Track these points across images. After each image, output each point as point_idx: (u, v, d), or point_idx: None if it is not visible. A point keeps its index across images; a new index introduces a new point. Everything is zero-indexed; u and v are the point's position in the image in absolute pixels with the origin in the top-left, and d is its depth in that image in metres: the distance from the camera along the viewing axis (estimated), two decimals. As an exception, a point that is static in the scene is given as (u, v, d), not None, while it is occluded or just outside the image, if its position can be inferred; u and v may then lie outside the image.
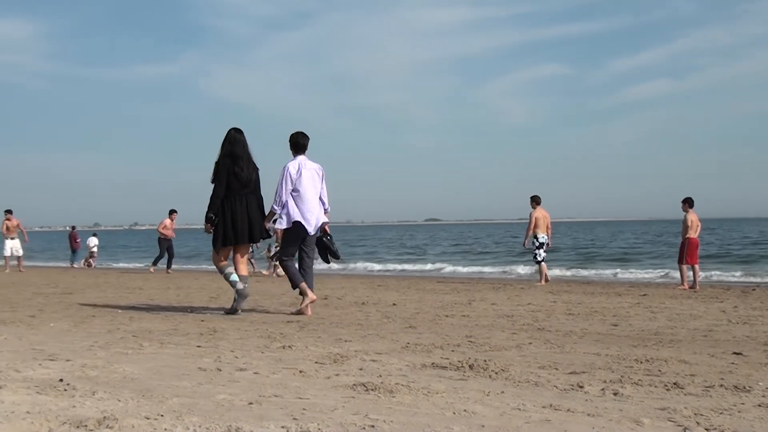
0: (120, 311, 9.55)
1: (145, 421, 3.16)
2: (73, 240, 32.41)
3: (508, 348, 6.47)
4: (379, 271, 28.48)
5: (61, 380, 4.18)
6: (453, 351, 6.20)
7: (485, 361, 5.46)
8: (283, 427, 3.16)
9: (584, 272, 25.02)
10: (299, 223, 9.28)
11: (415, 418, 3.48)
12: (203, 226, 9.45)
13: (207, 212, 9.31)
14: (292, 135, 9.53)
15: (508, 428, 3.33)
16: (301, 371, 4.90)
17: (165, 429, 3.05)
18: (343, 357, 5.64)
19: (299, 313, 9.33)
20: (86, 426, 3.06)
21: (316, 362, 5.38)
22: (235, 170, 9.19)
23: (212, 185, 9.33)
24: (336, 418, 3.39)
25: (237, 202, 9.25)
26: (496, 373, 5.03)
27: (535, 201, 17.45)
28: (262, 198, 9.57)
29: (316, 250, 9.74)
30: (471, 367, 5.22)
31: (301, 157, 9.44)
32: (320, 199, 9.53)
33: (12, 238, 24.74)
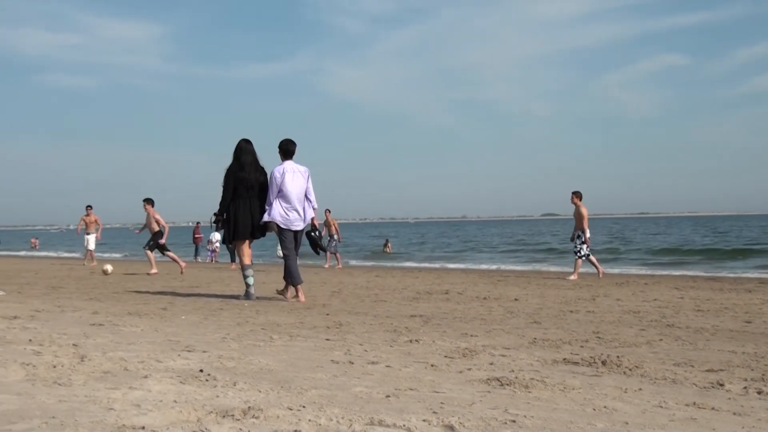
0: (246, 304, 9.76)
1: (288, 412, 3.21)
2: (194, 235, 33.35)
3: (638, 344, 6.33)
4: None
5: (201, 371, 4.29)
6: (582, 347, 6.10)
7: (618, 357, 5.35)
8: (424, 420, 3.16)
9: (707, 267, 24.32)
10: (276, 223, 10.37)
11: (555, 413, 3.44)
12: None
13: (216, 213, 10.70)
14: (281, 142, 10.59)
15: (652, 426, 3.25)
16: (432, 365, 4.91)
17: (309, 420, 3.09)
18: (472, 351, 5.63)
19: (279, 294, 10.88)
20: (232, 415, 3.12)
21: (445, 356, 5.38)
22: (241, 176, 10.39)
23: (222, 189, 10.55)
24: (475, 412, 3.37)
25: (242, 204, 10.43)
26: (630, 369, 4.92)
27: (579, 196, 17.26)
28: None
29: (304, 242, 11.00)
30: (604, 363, 5.12)
31: (287, 162, 10.48)
32: (307, 198, 10.53)
33: (89, 233, 25.29)
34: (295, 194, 10.35)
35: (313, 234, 11.07)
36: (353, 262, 31.14)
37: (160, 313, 8.40)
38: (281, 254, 12.45)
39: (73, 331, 6.21)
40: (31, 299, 9.94)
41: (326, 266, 23.85)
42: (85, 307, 8.79)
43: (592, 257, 17.46)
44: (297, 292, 10.50)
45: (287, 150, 10.54)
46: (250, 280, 10.59)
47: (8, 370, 4.18)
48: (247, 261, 10.68)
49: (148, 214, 19.22)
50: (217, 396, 3.57)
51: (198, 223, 34.29)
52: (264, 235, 10.78)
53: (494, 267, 26.49)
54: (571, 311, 9.38)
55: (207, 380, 3.98)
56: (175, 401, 3.41)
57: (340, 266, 24.62)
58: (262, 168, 10.59)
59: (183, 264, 18.96)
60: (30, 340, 5.51)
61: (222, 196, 10.52)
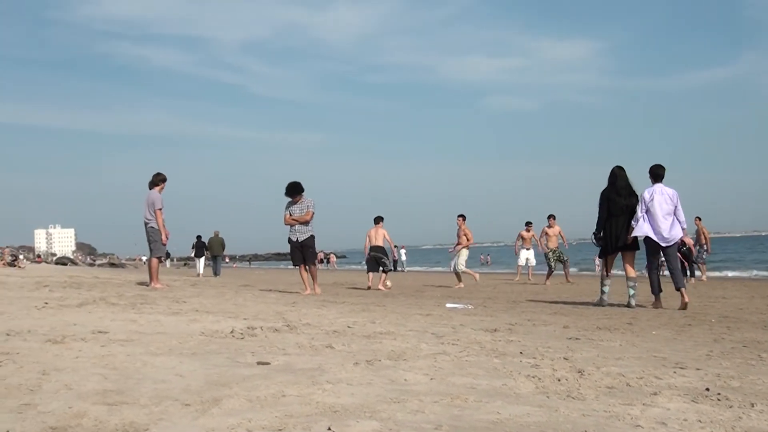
0: (713, 320, 9.45)
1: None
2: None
3: None
4: None
5: (707, 389, 4.22)
6: None
7: None
8: None
9: None
10: (648, 237, 11.68)
11: None
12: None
13: (594, 231, 12.28)
14: (651, 167, 11.89)
15: None
16: None
17: None
18: None
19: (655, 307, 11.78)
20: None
21: None
22: (614, 198, 11.95)
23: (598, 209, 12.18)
24: None
25: (614, 222, 11.98)
26: None
27: None
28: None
29: (677, 257, 12.04)
30: None
31: (656, 185, 11.75)
32: (677, 218, 11.65)
33: (527, 249, 25.28)
34: (661, 214, 11.55)
35: (683, 250, 12.52)
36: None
37: (627, 327, 8.42)
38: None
39: (555, 345, 6.44)
40: (499, 313, 10.48)
41: (694, 280, 22.12)
42: (553, 321, 9.07)
43: None
44: (682, 295, 11.49)
45: (656, 174, 11.83)
46: (605, 297, 12.11)
47: (518, 382, 4.46)
48: (631, 273, 11.97)
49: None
50: (740, 417, 3.49)
51: None
52: (624, 247, 12.14)
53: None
54: None
55: (719, 400, 3.91)
56: (699, 421, 3.40)
57: (704, 278, 22.92)
58: (635, 192, 11.97)
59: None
60: (521, 352, 5.83)
61: (598, 216, 12.13)
